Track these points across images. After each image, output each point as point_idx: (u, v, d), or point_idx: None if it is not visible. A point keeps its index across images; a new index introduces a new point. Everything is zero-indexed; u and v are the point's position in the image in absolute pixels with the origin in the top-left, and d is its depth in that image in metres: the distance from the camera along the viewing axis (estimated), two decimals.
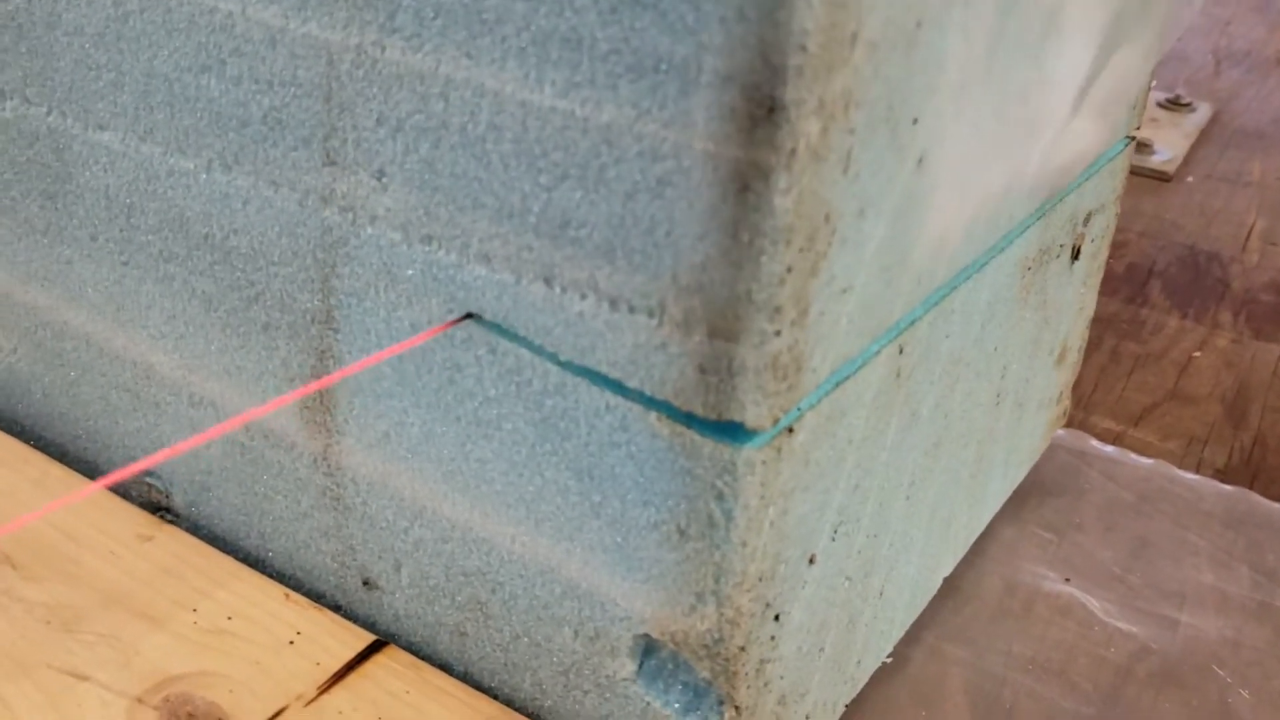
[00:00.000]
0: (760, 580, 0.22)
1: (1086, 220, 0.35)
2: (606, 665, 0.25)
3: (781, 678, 0.25)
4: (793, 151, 0.18)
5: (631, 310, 0.21)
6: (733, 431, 0.21)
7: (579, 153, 0.20)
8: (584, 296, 0.21)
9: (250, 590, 0.28)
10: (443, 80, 0.21)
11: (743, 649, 0.23)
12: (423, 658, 0.28)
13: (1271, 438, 0.45)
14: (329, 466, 0.27)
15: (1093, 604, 0.37)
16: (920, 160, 0.22)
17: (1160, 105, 0.74)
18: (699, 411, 0.21)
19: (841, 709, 0.29)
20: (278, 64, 0.23)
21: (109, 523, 0.29)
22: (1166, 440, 0.44)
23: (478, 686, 0.27)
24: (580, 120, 0.20)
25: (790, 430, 0.21)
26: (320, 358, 0.26)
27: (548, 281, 0.22)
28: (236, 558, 0.30)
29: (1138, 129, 0.38)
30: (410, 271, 0.23)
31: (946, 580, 0.34)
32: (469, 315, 0.22)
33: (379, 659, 0.26)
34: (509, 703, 0.27)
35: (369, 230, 0.24)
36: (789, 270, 0.19)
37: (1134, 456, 0.43)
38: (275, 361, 0.27)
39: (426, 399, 0.24)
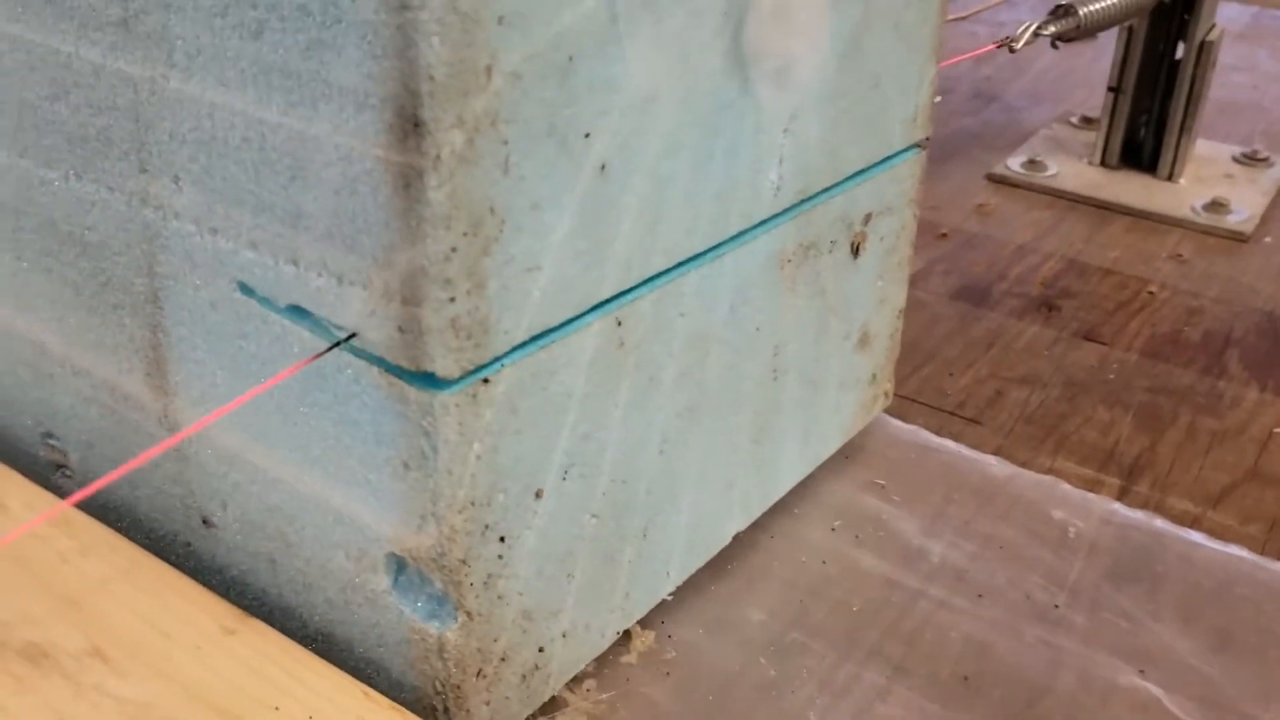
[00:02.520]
0: (473, 505, 0.28)
1: (866, 220, 0.40)
2: (370, 581, 0.30)
3: (520, 594, 0.30)
4: (438, 157, 0.24)
5: (351, 284, 0.26)
6: (429, 380, 0.26)
7: (300, 159, 0.26)
8: (319, 274, 0.27)
9: (330, 688, 0.29)
10: (208, 104, 0.27)
11: (463, 561, 0.28)
12: (250, 587, 0.33)
13: None
14: (169, 423, 0.33)
15: (1169, 703, 0.35)
16: (603, 168, 0.28)
17: (1236, 160, 0.67)
18: (404, 365, 0.26)
19: (614, 635, 0.35)
20: (102, 92, 0.29)
21: (196, 615, 0.31)
22: (1247, 524, 0.39)
23: (288, 610, 0.33)
24: (298, 133, 0.25)
25: (486, 381, 0.27)
26: (153, 331, 0.32)
27: (294, 262, 0.27)
28: (110, 506, 0.36)
29: (927, 139, 0.41)
30: (203, 257, 0.29)
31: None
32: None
33: None
34: (309, 622, 0.32)
35: (174, 224, 0.30)
36: (454, 250, 0.25)
37: (1209, 541, 0.41)
38: (124, 336, 0.33)
39: (226, 363, 0.30)
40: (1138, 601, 0.38)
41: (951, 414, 0.47)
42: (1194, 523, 0.42)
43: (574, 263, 0.28)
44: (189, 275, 0.30)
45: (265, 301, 0.28)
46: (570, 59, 0.26)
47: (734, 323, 0.35)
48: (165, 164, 0.29)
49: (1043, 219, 0.64)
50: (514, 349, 0.27)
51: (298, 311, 0.28)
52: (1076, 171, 0.69)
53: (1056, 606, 0.37)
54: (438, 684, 0.30)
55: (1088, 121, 0.74)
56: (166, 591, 0.31)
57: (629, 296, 0.30)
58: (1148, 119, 0.67)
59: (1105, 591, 0.38)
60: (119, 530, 0.34)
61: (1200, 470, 0.45)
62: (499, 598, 0.30)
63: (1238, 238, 0.63)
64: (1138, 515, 0.42)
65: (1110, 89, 0.68)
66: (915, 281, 0.57)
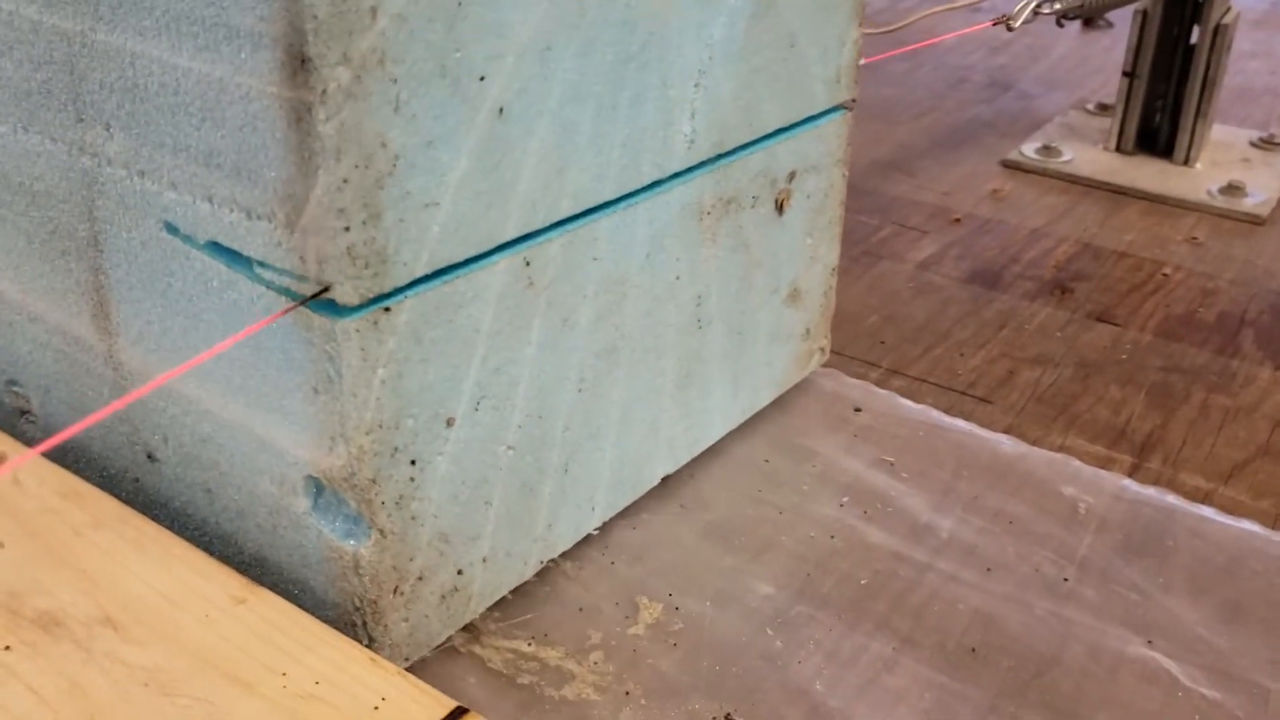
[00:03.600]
0: (380, 427, 0.29)
1: (791, 178, 0.41)
2: (293, 504, 0.31)
3: (435, 516, 0.32)
4: (324, 92, 0.25)
5: (258, 218, 0.28)
6: (331, 307, 0.28)
7: (209, 100, 0.27)
8: (231, 210, 0.29)
9: (337, 655, 0.30)
10: (130, 53, 0.29)
11: (373, 481, 0.30)
12: (192, 518, 0.35)
13: None
14: (114, 362, 0.34)
15: (1178, 670, 0.35)
16: (501, 111, 0.29)
17: (1253, 144, 0.67)
18: (307, 293, 0.28)
19: (537, 564, 0.36)
20: (40, 47, 0.31)
21: (205, 586, 0.31)
22: (1259, 499, 0.39)
23: (225, 537, 0.34)
24: (205, 76, 0.27)
25: (387, 309, 0.28)
26: (95, 274, 0.33)
27: (210, 200, 0.29)
28: (66, 448, 0.37)
29: (853, 100, 0.42)
30: (133, 200, 0.31)
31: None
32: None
33: None
34: (244, 548, 0.34)
35: (107, 170, 0.31)
36: (345, 181, 0.26)
37: (1220, 516, 0.41)
38: (72, 280, 0.34)
39: (158, 300, 0.32)
40: (1148, 575, 0.38)
41: (963, 394, 0.47)
42: (1205, 498, 0.42)
43: (475, 202, 0.29)
44: (122, 218, 0.32)
45: (187, 239, 0.30)
46: (459, 4, 0.27)
47: (651, 270, 0.36)
48: (97, 113, 0.30)
49: (1057, 204, 0.64)
50: (415, 281, 0.29)
51: (215, 247, 0.29)
52: (1092, 157, 0.69)
53: (1066, 580, 0.37)
54: (356, 600, 0.31)
55: (1103, 108, 0.74)
56: (176, 563, 0.31)
57: (537, 239, 0.32)
58: (1163, 104, 0.67)
59: (1115, 565, 0.38)
60: (74, 470, 0.36)
61: (1212, 447, 0.45)
62: (412, 518, 0.31)
63: (1254, 220, 0.62)
64: (1149, 491, 0.42)
65: (1125, 74, 0.67)
66: (928, 265, 0.57)
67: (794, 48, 0.39)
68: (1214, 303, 0.54)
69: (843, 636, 0.35)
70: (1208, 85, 0.66)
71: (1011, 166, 0.68)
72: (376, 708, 0.28)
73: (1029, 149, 0.69)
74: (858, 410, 0.46)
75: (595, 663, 0.34)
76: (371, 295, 0.27)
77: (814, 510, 0.41)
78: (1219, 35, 0.65)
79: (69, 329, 0.35)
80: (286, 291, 0.28)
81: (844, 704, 0.33)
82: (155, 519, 0.34)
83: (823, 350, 0.46)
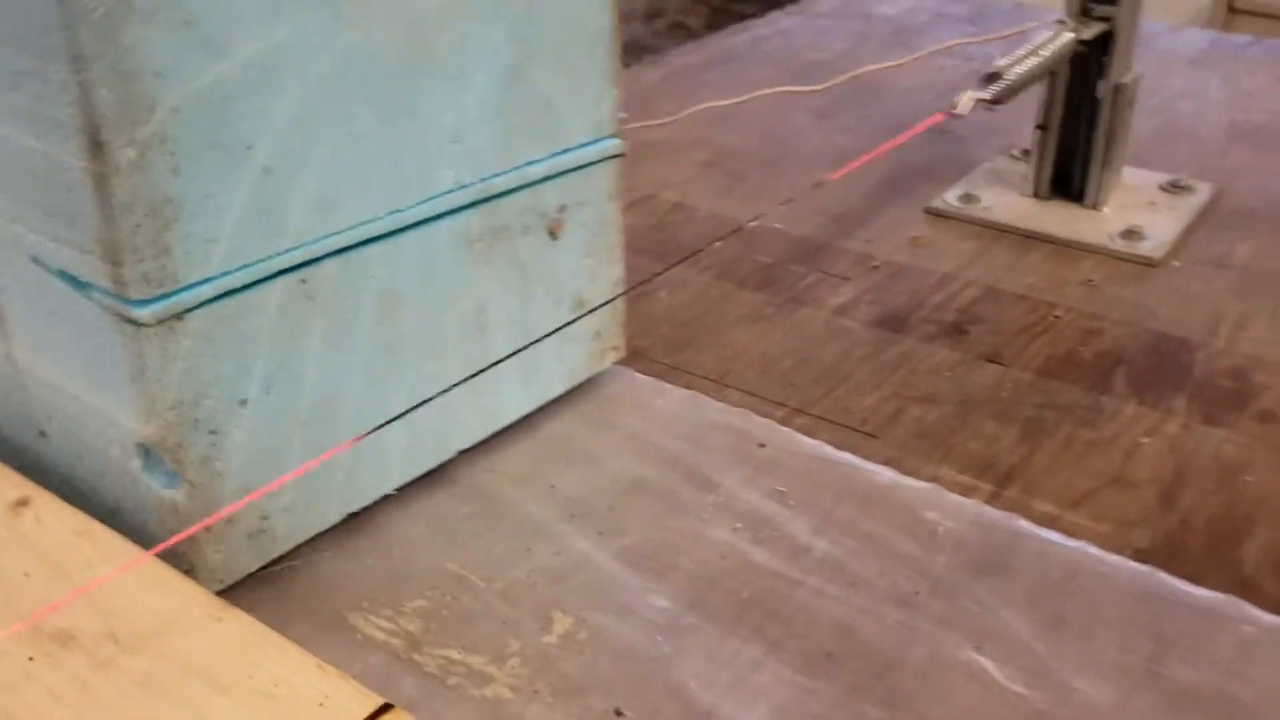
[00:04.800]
0: (182, 405, 0.40)
1: (561, 210, 0.50)
2: (132, 464, 0.41)
3: (237, 473, 0.42)
4: (117, 166, 0.36)
5: (86, 253, 0.38)
6: (136, 314, 0.38)
7: (48, 169, 0.38)
8: (70, 247, 0.39)
9: (291, 662, 0.37)
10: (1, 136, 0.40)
11: (179, 445, 0.40)
12: (77, 484, 0.45)
13: (1196, 520, 0.46)
14: (11, 360, 0.45)
15: (997, 672, 0.41)
16: (267, 169, 0.39)
17: (1162, 189, 0.74)
18: (120, 308, 0.38)
19: (337, 516, 0.47)
20: None
21: (189, 606, 0.39)
22: (1100, 523, 0.46)
23: (91, 493, 0.44)
24: (44, 153, 0.38)
25: (180, 318, 0.39)
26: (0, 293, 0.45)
27: (56, 240, 0.39)
28: None
29: (621, 152, 0.52)
30: (10, 239, 0.42)
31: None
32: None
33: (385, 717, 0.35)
34: (106, 502, 0.44)
35: None
36: (138, 226, 0.37)
37: (1061, 538, 0.44)
38: None
39: (40, 315, 0.42)
40: (991, 590, 0.45)
41: (854, 429, 0.55)
42: (1052, 523, 0.49)
43: (250, 238, 0.39)
44: (8, 252, 0.41)
45: (46, 268, 0.40)
46: (227, 97, 0.37)
47: (426, 286, 0.46)
48: None
49: (970, 249, 0.71)
50: (203, 300, 0.39)
51: (63, 274, 0.39)
52: (1009, 203, 0.76)
53: (917, 594, 0.45)
54: (165, 532, 0.41)
55: (1027, 153, 0.81)
56: (165, 588, 0.39)
57: (310, 265, 0.41)
58: (1075, 153, 0.74)
59: (963, 581, 0.46)
60: None
61: (1067, 476, 0.52)
62: (216, 474, 0.41)
63: (1147, 263, 0.70)
64: (1001, 515, 0.49)
65: (1038, 127, 0.75)
66: (843, 311, 0.65)
67: (551, 108, 0.48)
68: (1096, 343, 0.61)
69: (721, 642, 0.43)
70: (1111, 137, 0.73)
71: (934, 214, 0.75)
72: (321, 704, 0.36)
73: (951, 196, 0.76)
74: (761, 445, 0.53)
75: (512, 667, 0.42)
76: (165, 310, 0.38)
77: (711, 535, 0.48)
78: (1119, 93, 0.72)
79: None
80: (107, 306, 0.38)
81: (714, 699, 0.41)
82: (49, 484, 0.43)
83: (617, 349, 0.56)
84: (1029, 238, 0.72)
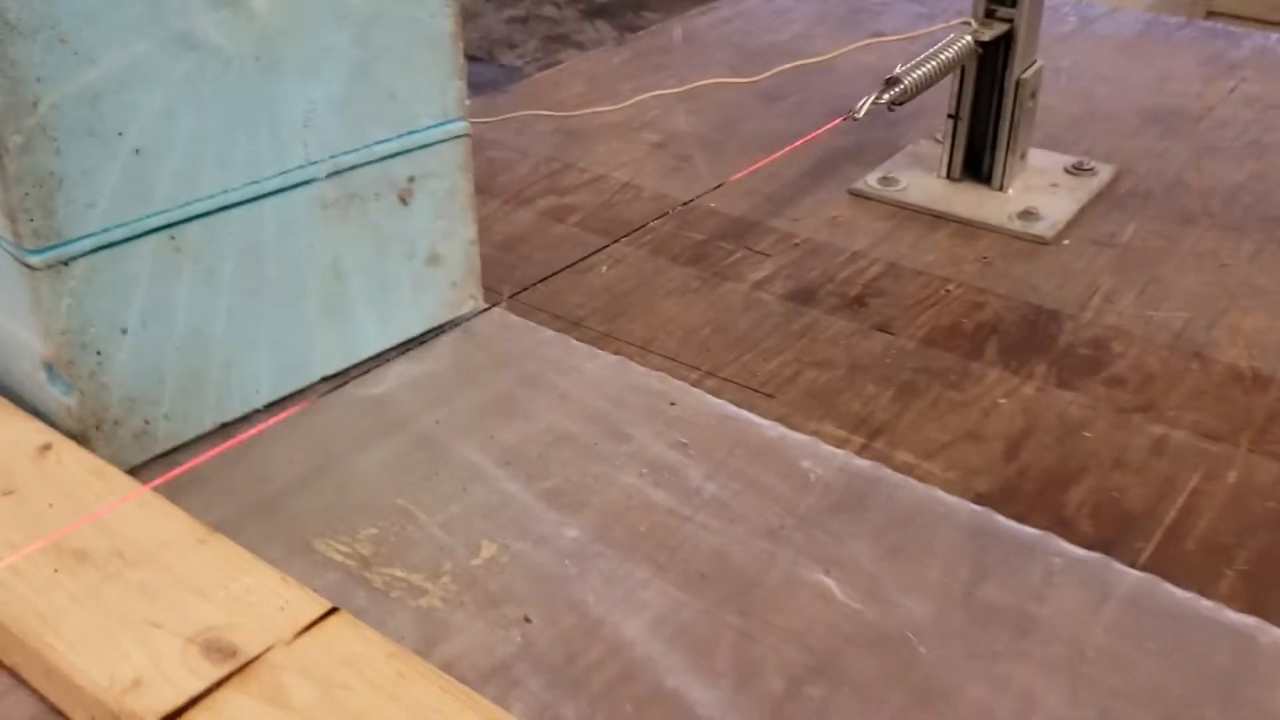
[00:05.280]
0: (70, 331, 0.52)
1: (410, 180, 0.62)
2: (39, 376, 0.53)
3: (120, 385, 0.54)
4: (8, 149, 0.47)
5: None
6: (30, 260, 0.49)
7: None
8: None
9: (260, 576, 0.47)
10: None
11: (70, 363, 0.52)
12: (8, 388, 0.58)
13: (1033, 470, 0.55)
14: None
15: (839, 591, 0.50)
16: (137, 150, 0.51)
17: (1066, 171, 0.82)
18: (17, 254, 0.50)
19: (211, 424, 0.59)
20: None
21: (179, 530, 0.49)
22: (948, 471, 0.55)
23: (24, 400, 0.56)
24: None
25: (65, 264, 0.50)
26: None
27: None
28: None
29: (466, 133, 0.64)
30: None
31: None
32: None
33: (332, 618, 0.45)
34: (35, 407, 0.55)
35: None
36: (26, 194, 0.49)
37: (913, 482, 0.53)
38: None
39: None
40: (844, 526, 0.55)
41: (755, 390, 0.64)
42: (909, 470, 0.58)
43: (124, 203, 0.51)
44: None
45: None
46: (98, 95, 0.48)
47: (283, 241, 0.57)
48: None
49: (883, 229, 0.80)
50: (86, 252, 0.51)
51: None
52: (923, 185, 0.85)
53: (783, 528, 0.55)
54: (75, 432, 0.53)
55: None
56: (161, 516, 0.49)
57: (178, 226, 0.53)
58: (983, 139, 0.83)
59: (822, 518, 0.55)
60: None
61: (929, 432, 0.61)
62: (103, 386, 0.52)
63: (1039, 241, 0.79)
64: (865, 464, 0.59)
65: (950, 116, 0.84)
66: (761, 285, 0.74)
67: (395, 98, 0.60)
68: (978, 315, 0.71)
69: (617, 565, 0.53)
70: (1014, 125, 0.82)
71: (855, 194, 0.84)
72: (282, 608, 0.45)
73: (872, 179, 0.85)
74: (672, 404, 0.63)
75: (444, 583, 0.52)
76: (54, 258, 0.50)
77: (621, 479, 0.58)
78: (1021, 86, 0.81)
79: None
80: (13, 255, 0.50)
81: (606, 610, 0.51)
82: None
83: (474, 298, 0.67)
84: (938, 218, 0.81)
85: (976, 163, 0.84)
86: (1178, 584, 0.51)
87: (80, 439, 0.54)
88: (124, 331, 0.54)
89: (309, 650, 0.42)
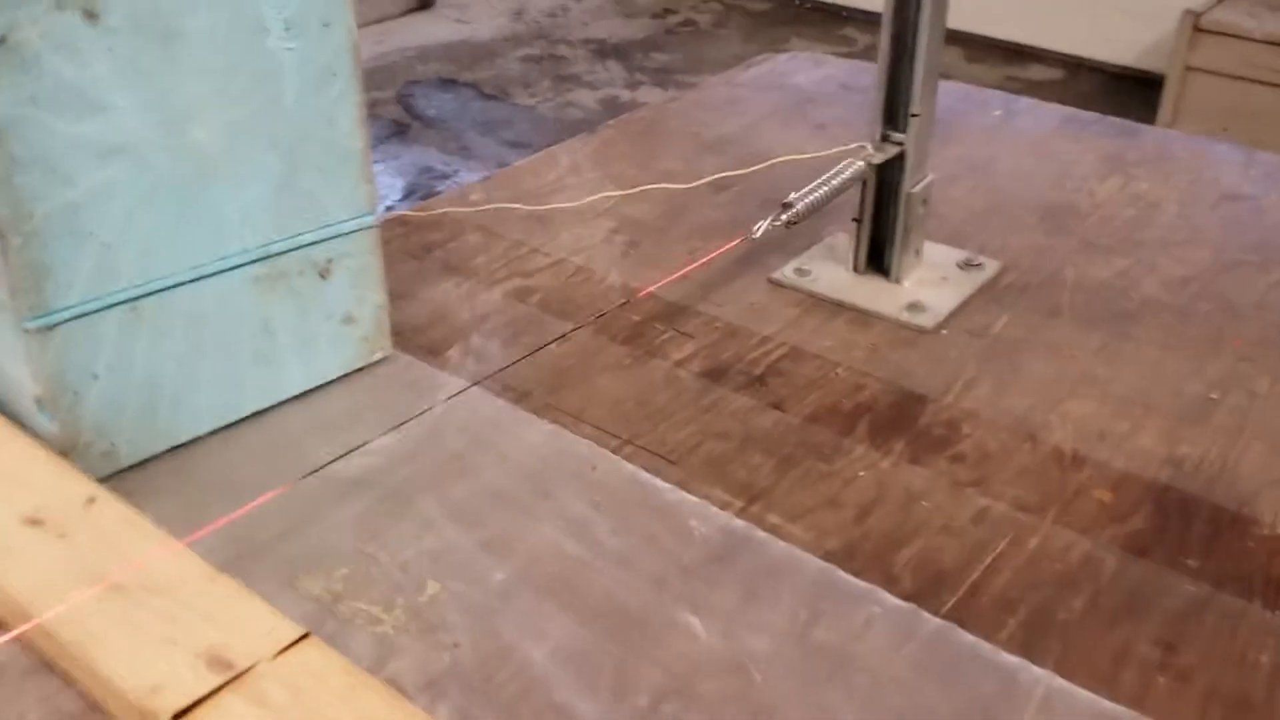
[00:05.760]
0: (53, 376, 0.69)
1: (329, 261, 0.80)
2: (32, 407, 0.71)
3: (90, 418, 0.72)
4: (13, 248, 0.67)
5: (2, 289, 0.65)
6: (26, 326, 0.66)
7: None
8: None
9: (255, 606, 0.66)
10: None
11: (54, 400, 0.70)
12: (16, 416, 0.74)
13: (875, 533, 0.71)
14: None
15: (700, 629, 0.67)
16: (106, 245, 0.68)
17: (959, 265, 0.98)
18: (17, 320, 0.66)
19: (164, 445, 0.76)
20: None
21: (192, 572, 0.68)
22: (807, 532, 0.70)
23: (24, 425, 0.73)
24: None
25: (51, 328, 0.67)
26: None
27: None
28: None
29: (373, 224, 0.81)
30: None
31: None
32: None
33: (306, 641, 0.60)
34: (28, 429, 0.72)
35: None
36: (23, 278, 0.67)
37: (776, 541, 0.69)
38: None
39: None
40: (716, 575, 0.70)
41: (662, 457, 0.80)
42: (775, 530, 0.73)
43: (95, 282, 0.69)
44: None
45: None
46: (77, 207, 0.67)
47: (223, 308, 0.75)
48: None
49: (791, 315, 0.96)
50: (66, 319, 0.68)
51: None
52: (832, 276, 1.00)
53: (667, 577, 0.70)
54: (58, 450, 0.70)
55: None
56: (181, 560, 0.65)
57: (138, 300, 0.70)
58: (883, 239, 0.98)
59: (701, 568, 0.70)
60: None
61: (798, 498, 0.77)
62: (78, 417, 0.69)
63: (920, 331, 0.94)
64: (740, 524, 0.74)
65: (854, 219, 0.99)
66: (681, 363, 0.90)
67: (315, 199, 0.77)
68: (857, 396, 0.86)
69: (534, 603, 0.69)
70: (907, 230, 0.97)
71: (773, 283, 1.00)
72: (269, 632, 0.61)
73: (789, 269, 1.01)
74: (594, 468, 0.79)
75: (396, 615, 0.68)
76: (42, 325, 0.67)
77: (543, 530, 0.74)
78: (910, 199, 0.96)
79: None
80: (13, 320, 0.68)
81: (518, 638, 0.66)
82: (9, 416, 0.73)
83: (384, 349, 0.85)
84: (840, 306, 0.97)
85: (879, 257, 0.99)
86: (969, 630, 0.66)
87: (61, 455, 0.72)
88: (95, 377, 0.70)
89: (287, 666, 0.58)
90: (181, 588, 0.61)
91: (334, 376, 0.84)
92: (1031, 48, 2.81)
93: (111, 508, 0.67)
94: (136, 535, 0.65)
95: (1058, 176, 1.17)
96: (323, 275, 0.80)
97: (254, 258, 0.76)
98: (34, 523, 0.66)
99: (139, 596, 0.61)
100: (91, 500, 0.68)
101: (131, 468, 0.75)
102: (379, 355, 0.86)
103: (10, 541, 0.64)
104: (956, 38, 2.51)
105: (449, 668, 0.62)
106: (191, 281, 0.74)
